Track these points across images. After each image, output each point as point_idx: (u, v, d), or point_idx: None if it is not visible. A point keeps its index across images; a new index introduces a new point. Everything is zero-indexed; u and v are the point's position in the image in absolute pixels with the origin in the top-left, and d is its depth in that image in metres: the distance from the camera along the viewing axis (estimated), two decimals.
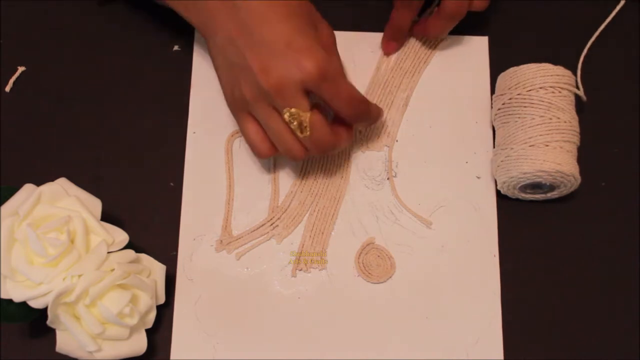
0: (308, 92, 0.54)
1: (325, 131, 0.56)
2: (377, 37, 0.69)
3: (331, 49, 0.60)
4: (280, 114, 0.55)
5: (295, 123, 0.54)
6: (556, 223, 0.64)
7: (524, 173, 0.59)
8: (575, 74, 0.63)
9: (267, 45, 0.53)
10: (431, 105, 0.67)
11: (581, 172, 0.61)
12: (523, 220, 0.64)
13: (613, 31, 0.69)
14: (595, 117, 0.62)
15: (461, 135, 0.66)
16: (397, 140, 0.66)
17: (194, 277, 0.62)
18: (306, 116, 0.54)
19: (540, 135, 0.59)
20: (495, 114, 0.63)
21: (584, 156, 0.63)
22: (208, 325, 0.61)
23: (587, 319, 0.62)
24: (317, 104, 0.56)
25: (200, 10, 0.57)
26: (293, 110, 0.54)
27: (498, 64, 0.67)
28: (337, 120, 0.59)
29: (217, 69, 0.59)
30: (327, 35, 0.60)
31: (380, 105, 0.67)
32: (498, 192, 0.64)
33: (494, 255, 0.63)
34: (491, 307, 0.62)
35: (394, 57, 0.69)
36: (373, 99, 0.67)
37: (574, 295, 0.62)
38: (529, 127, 0.60)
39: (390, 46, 0.68)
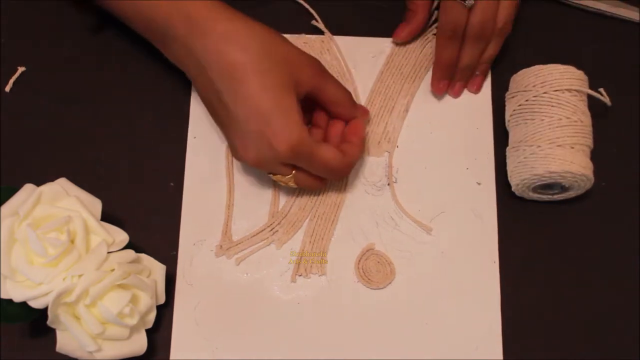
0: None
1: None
2: (379, 42, 0.69)
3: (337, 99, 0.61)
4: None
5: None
6: (556, 224, 0.64)
7: (551, 172, 0.59)
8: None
9: (242, 125, 0.56)
10: (432, 111, 0.67)
11: None
12: (523, 225, 0.64)
13: (612, 31, 0.70)
14: (595, 117, 0.63)
15: (462, 141, 0.66)
16: (397, 146, 0.66)
17: (193, 282, 0.62)
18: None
19: (568, 136, 0.60)
20: (515, 110, 0.63)
21: None
22: (207, 330, 0.60)
23: (587, 322, 0.62)
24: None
25: (188, 71, 0.60)
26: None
27: (499, 70, 0.68)
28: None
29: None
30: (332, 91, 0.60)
31: (381, 111, 0.67)
32: (499, 198, 0.64)
33: (494, 262, 0.63)
34: (491, 314, 0.62)
35: (395, 62, 0.69)
36: (374, 104, 0.67)
37: (574, 298, 0.62)
38: (557, 127, 0.60)
39: (442, 85, 0.67)
